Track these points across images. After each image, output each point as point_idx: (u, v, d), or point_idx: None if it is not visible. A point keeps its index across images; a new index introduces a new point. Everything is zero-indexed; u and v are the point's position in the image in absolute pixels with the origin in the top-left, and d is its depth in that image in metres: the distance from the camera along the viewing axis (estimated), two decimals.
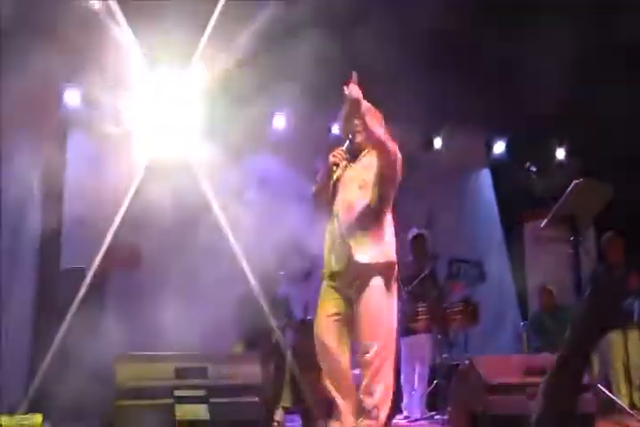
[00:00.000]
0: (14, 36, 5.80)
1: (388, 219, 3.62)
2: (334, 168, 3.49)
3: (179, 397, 2.48)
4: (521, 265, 7.73)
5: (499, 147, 7.86)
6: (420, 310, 5.83)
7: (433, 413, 5.63)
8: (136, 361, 2.53)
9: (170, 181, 6.70)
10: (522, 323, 7.06)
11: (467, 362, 3.22)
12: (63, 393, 5.01)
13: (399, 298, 5.91)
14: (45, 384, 5.18)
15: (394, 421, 5.60)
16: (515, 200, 7.57)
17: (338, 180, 3.59)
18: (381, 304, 3.39)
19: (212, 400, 2.50)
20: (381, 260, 3.46)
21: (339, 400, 3.19)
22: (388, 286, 3.46)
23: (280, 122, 7.07)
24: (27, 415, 2.94)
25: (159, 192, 6.61)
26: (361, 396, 3.21)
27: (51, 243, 6.24)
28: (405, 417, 5.81)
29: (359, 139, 3.60)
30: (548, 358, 3.35)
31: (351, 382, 3.30)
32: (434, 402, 5.69)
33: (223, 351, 3.02)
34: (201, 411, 2.45)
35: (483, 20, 6.01)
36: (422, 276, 5.91)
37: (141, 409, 2.43)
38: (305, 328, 4.74)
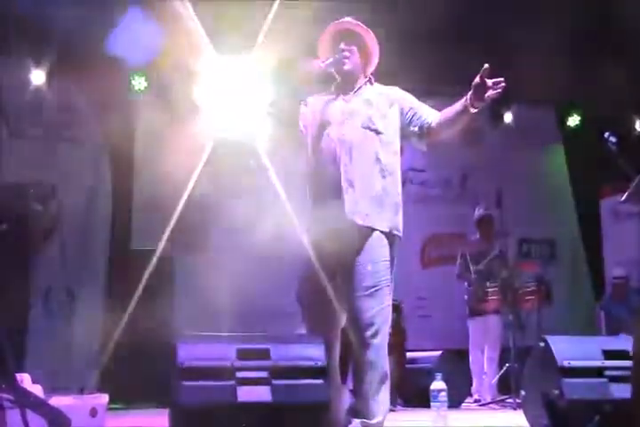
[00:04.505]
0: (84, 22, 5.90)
1: (400, 176, 2.98)
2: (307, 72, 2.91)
3: (240, 378, 2.41)
4: (596, 243, 7.44)
5: (573, 120, 7.55)
6: (489, 290, 5.67)
7: (505, 396, 5.48)
8: (198, 341, 2.48)
9: (237, 163, 6.72)
10: (599, 304, 6.81)
11: (541, 343, 3.05)
12: (131, 374, 5.11)
13: (467, 279, 5.84)
14: (114, 365, 5.28)
15: (464, 404, 5.51)
16: (589, 176, 7.28)
17: (323, 116, 2.94)
18: (376, 280, 2.83)
19: (274, 382, 2.42)
20: (383, 228, 2.87)
21: None
22: (386, 259, 2.86)
23: None
24: (94, 395, 2.98)
25: (227, 175, 6.65)
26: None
27: (121, 224, 6.36)
28: (476, 401, 5.69)
29: (349, 66, 2.99)
30: (628, 341, 3.17)
31: None
32: (505, 385, 5.54)
33: (286, 332, 2.91)
34: (263, 393, 2.39)
35: None
36: (492, 255, 5.75)
37: (203, 390, 2.38)
38: None
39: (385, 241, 2.90)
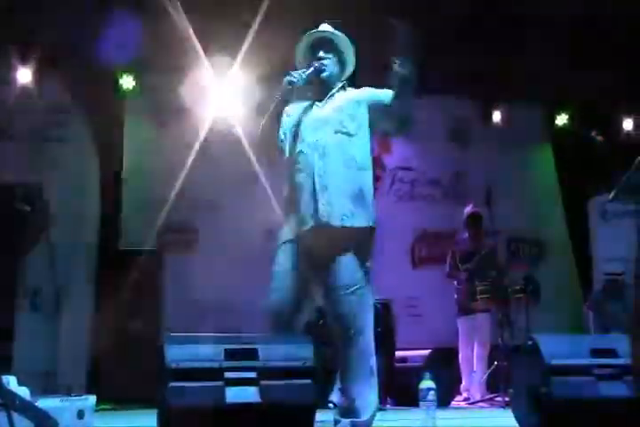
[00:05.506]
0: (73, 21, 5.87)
1: (373, 175, 3.08)
2: (289, 87, 2.97)
3: (229, 379, 2.40)
4: (584, 242, 7.46)
5: (561, 120, 7.56)
6: (479, 288, 5.68)
7: (494, 395, 5.49)
8: (186, 342, 2.47)
9: (225, 163, 6.70)
10: (586, 304, 6.82)
11: (529, 342, 3.06)
12: (119, 375, 5.10)
13: (457, 278, 5.85)
14: (102, 366, 5.27)
15: (453, 402, 5.51)
16: (577, 175, 7.31)
17: (298, 123, 3.05)
18: (356, 278, 2.90)
19: (262, 383, 2.41)
20: (363, 224, 2.95)
21: None
22: (365, 257, 2.95)
23: None
24: (81, 396, 2.96)
25: (214, 174, 6.62)
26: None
27: (110, 224, 6.33)
28: (465, 399, 5.69)
29: (326, 74, 3.09)
30: (616, 338, 3.18)
31: None
32: (494, 384, 5.55)
33: (274, 333, 2.91)
34: (252, 393, 2.38)
35: None
36: (482, 254, 5.76)
37: (191, 391, 2.37)
38: None
39: (363, 238, 2.96)
